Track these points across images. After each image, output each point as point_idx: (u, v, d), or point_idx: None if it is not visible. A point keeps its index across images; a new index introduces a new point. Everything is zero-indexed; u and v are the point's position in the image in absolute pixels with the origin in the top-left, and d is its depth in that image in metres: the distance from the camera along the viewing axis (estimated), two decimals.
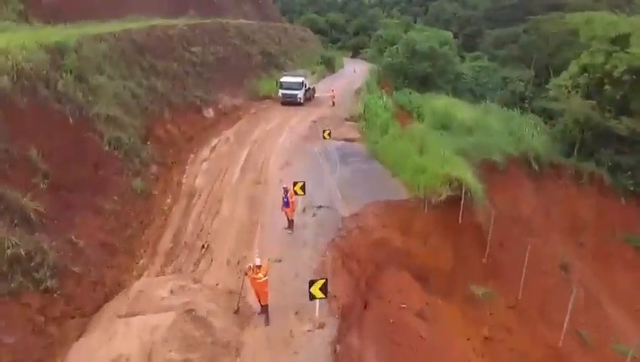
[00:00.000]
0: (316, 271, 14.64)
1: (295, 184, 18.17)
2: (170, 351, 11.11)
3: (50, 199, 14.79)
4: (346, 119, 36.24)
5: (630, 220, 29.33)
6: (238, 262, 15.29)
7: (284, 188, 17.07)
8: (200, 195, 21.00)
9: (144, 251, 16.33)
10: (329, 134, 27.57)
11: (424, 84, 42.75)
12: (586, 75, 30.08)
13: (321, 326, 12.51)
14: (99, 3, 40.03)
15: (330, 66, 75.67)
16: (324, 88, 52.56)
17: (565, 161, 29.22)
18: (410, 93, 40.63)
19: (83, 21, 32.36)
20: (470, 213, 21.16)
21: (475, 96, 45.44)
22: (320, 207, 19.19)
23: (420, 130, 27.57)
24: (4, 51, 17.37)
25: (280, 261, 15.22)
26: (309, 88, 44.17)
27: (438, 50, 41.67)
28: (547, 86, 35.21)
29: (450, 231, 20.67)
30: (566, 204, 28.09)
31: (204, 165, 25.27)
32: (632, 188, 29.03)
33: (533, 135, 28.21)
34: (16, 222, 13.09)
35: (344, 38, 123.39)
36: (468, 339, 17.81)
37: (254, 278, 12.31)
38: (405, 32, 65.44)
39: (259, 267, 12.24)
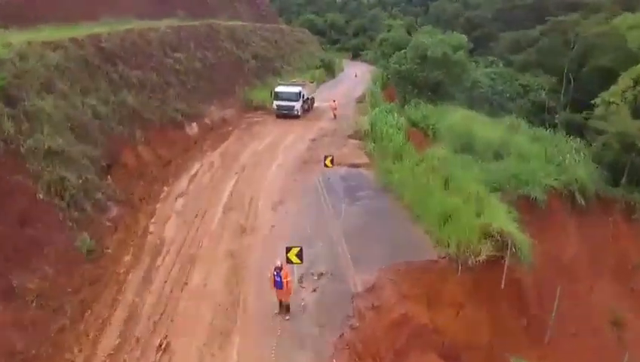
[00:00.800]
0: None
1: (289, 250, 13.52)
2: None
3: None
4: (350, 136, 31.62)
5: None
6: None
7: (276, 267, 12.38)
8: (168, 251, 16.35)
9: (79, 351, 11.66)
10: (331, 161, 22.94)
11: (436, 93, 38.07)
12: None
13: None
14: (71, 3, 35.40)
15: (329, 70, 71.09)
16: (323, 96, 47.94)
17: (613, 193, 24.61)
18: (422, 104, 35.97)
19: (48, 24, 27.80)
20: (512, 273, 16.58)
21: (492, 106, 40.85)
22: (322, 274, 14.57)
23: (441, 155, 22.95)
24: None
25: None
26: (307, 98, 39.54)
27: (452, 56, 37.07)
28: (594, 101, 30.43)
29: (489, 298, 16.10)
30: (616, 244, 23.56)
31: (180, 202, 20.61)
32: None
33: (576, 161, 23.59)
34: None
35: (344, 39, 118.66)
36: None
37: None
38: (409, 33, 60.96)
39: None
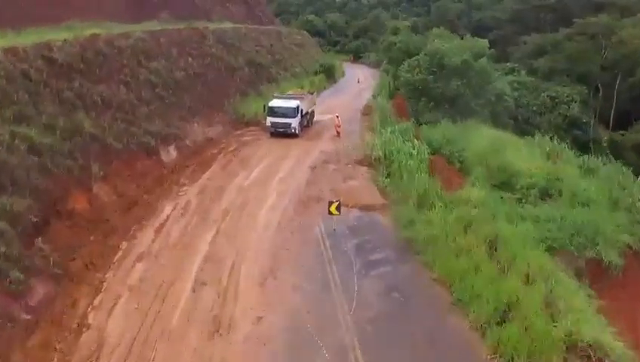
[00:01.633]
0: None
1: None
2: None
3: None
4: (358, 162, 26.57)
5: None
6: None
7: None
8: None
9: None
10: (338, 207, 17.82)
11: (454, 106, 33.11)
12: None
13: None
14: (26, 3, 30.26)
15: (330, 76, 66.00)
16: (324, 106, 42.94)
17: None
18: (440, 121, 31.04)
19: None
20: None
21: (517, 121, 35.84)
22: None
23: (478, 199, 17.90)
24: None
25: None
26: (306, 113, 34.45)
27: (473, 64, 32.08)
28: None
29: None
30: None
31: (138, 270, 15.50)
32: None
33: None
34: None
35: (344, 40, 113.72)
36: None
37: None
38: (415, 33, 55.81)
39: None
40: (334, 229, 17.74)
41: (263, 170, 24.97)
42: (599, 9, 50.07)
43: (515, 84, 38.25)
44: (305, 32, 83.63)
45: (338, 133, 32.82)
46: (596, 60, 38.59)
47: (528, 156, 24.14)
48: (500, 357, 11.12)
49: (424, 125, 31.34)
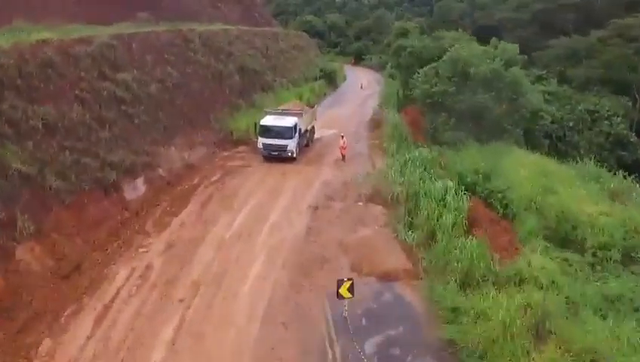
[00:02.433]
0: None
1: None
2: None
3: None
4: (370, 198, 21.42)
5: None
6: None
7: None
8: None
9: None
10: (350, 288, 12.61)
11: (480, 123, 27.93)
12: None
13: None
14: None
15: (331, 81, 60.86)
16: (326, 118, 37.96)
17: None
18: (465, 143, 25.91)
19: None
20: None
21: (551, 139, 30.69)
22: None
23: (546, 276, 12.73)
24: None
25: None
26: (305, 131, 29.29)
27: (504, 74, 26.93)
28: None
29: None
30: None
31: None
32: None
33: None
34: None
35: (344, 41, 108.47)
36: None
37: None
38: (422, 34, 50.58)
39: None
40: (347, 320, 12.54)
41: (250, 213, 19.76)
42: (631, 9, 44.86)
43: (546, 95, 33.00)
44: (304, 33, 78.40)
45: (343, 156, 27.67)
46: (638, 66, 33.45)
47: (587, 194, 18.95)
48: None
49: (446, 147, 26.13)
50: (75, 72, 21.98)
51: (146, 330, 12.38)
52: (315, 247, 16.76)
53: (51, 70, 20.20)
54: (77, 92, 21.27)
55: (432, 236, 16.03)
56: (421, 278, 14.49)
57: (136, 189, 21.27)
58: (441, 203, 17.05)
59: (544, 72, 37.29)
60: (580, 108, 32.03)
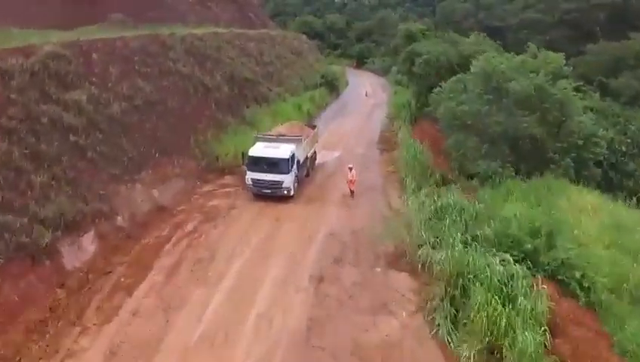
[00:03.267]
0: None
1: None
2: None
3: None
4: (391, 261, 16.19)
5: None
6: None
7: None
8: None
9: None
10: None
11: (518, 150, 22.73)
12: None
13: None
14: None
15: (333, 88, 55.52)
16: (328, 136, 32.82)
17: None
18: (489, 172, 20.84)
19: None
20: None
21: (602, 168, 25.43)
22: None
23: None
24: None
25: None
26: (305, 159, 24.02)
27: (551, 91, 21.77)
28: None
29: None
30: None
31: None
32: None
33: None
34: None
35: (345, 43, 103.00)
36: None
37: None
38: (423, 35, 45.33)
39: None
40: None
41: (231, 291, 14.44)
42: None
43: (588, 112, 27.71)
44: (303, 35, 72.91)
45: (352, 191, 22.39)
46: None
47: None
48: None
49: (477, 180, 20.99)
50: (4, 93, 16.77)
51: None
52: (319, 355, 11.46)
53: None
54: (2, 120, 16.06)
55: (491, 351, 10.72)
56: None
57: (81, 252, 15.95)
58: (503, 293, 11.69)
59: (581, 83, 31.99)
60: (632, 128, 26.73)
